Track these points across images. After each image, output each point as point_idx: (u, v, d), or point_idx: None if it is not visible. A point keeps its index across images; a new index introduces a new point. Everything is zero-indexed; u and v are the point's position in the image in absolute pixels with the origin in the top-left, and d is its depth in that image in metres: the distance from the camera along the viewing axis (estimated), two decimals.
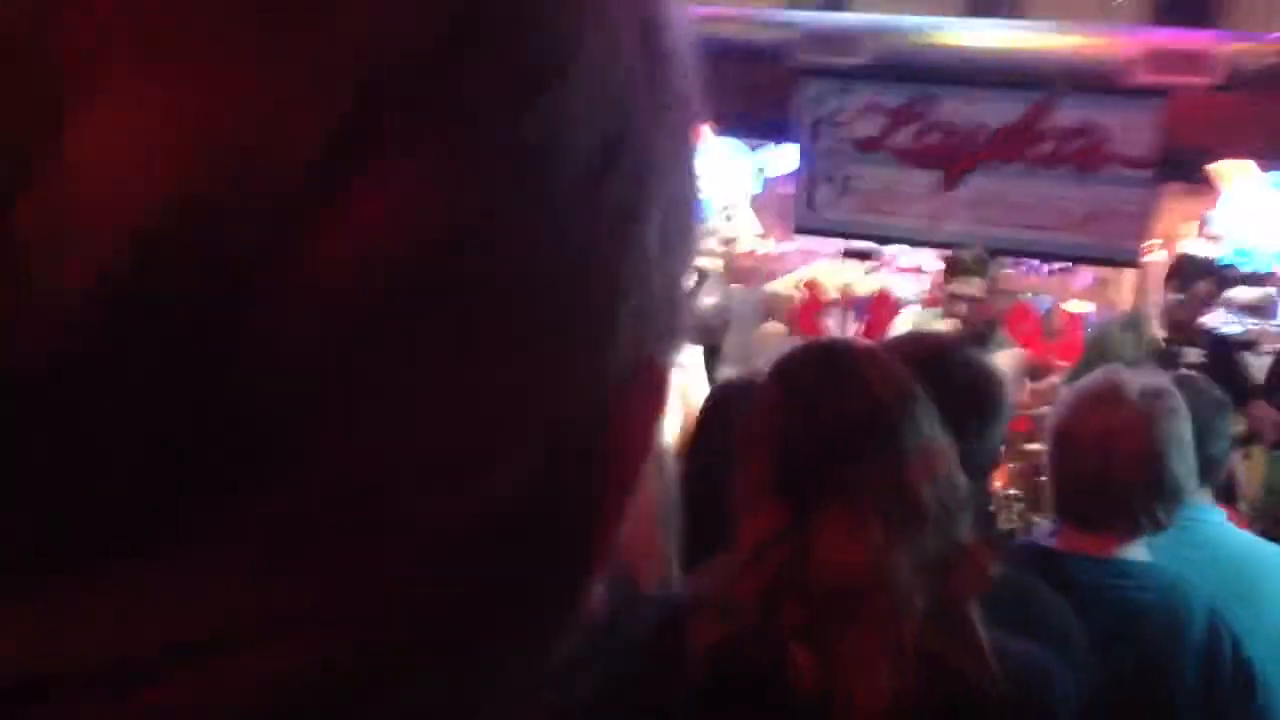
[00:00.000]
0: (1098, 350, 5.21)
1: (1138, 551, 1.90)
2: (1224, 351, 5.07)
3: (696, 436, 2.48)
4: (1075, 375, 5.31)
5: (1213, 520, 2.25)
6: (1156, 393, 1.89)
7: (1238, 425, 2.44)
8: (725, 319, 6.00)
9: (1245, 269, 6.89)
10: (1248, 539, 2.36)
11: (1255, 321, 6.83)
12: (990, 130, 6.72)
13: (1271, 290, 7.20)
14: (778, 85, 7.08)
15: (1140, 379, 1.91)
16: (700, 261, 5.28)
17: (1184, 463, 1.87)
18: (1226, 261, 6.83)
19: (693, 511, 2.20)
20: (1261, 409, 4.77)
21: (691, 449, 2.50)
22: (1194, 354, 4.93)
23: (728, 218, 5.28)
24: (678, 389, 4.81)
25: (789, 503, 1.37)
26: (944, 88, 6.83)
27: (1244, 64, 6.47)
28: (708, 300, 5.22)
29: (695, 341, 5.04)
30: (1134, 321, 5.26)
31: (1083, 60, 6.83)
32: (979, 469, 1.91)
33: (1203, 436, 2.15)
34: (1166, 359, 4.93)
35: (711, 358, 5.64)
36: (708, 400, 2.62)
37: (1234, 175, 6.45)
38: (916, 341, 2.04)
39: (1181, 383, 2.25)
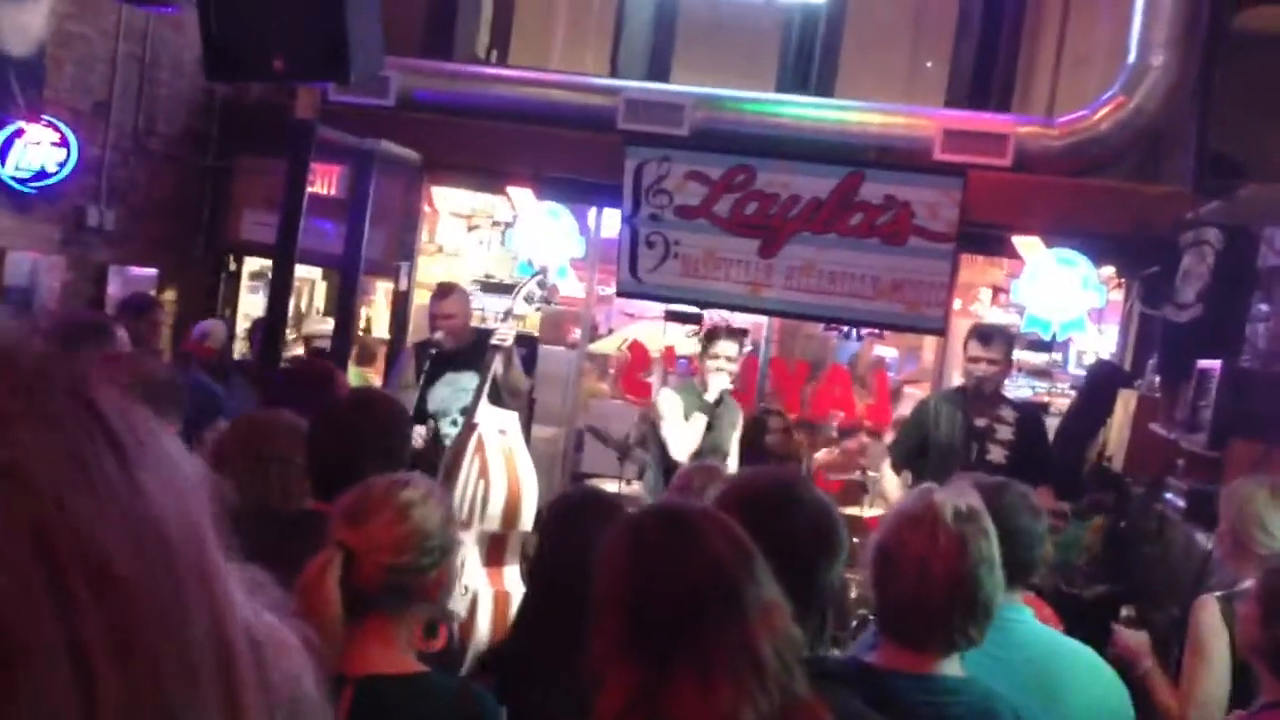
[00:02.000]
0: (918, 427, 5.48)
1: (953, 665, 2.01)
2: (1031, 425, 5.39)
3: (542, 550, 2.56)
4: (898, 449, 5.59)
5: (1022, 619, 2.42)
6: (969, 515, 2.01)
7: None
8: (532, 382, 6.08)
9: (1037, 336, 7.36)
10: (1053, 637, 2.54)
11: (1044, 385, 7.26)
12: (805, 202, 7.02)
13: (1058, 355, 7.68)
14: (602, 151, 7.23)
15: (954, 500, 2.04)
16: (516, 324, 5.36)
17: (994, 580, 2.00)
18: (1023, 329, 7.30)
19: (538, 617, 2.27)
20: (1046, 497, 5.05)
21: (537, 562, 2.58)
22: (1005, 431, 5.23)
23: (540, 283, 5.35)
24: (502, 455, 4.83)
25: (644, 662, 1.46)
26: (761, 160, 7.10)
27: (1031, 146, 6.97)
28: (519, 364, 5.29)
29: (511, 407, 5.07)
30: (949, 397, 5.53)
31: (889, 138, 7.23)
32: (824, 599, 2.00)
33: (1018, 541, 2.32)
34: (980, 435, 5.22)
35: (527, 418, 5.71)
36: (553, 511, 2.68)
37: (1030, 249, 6.89)
38: (757, 481, 2.14)
39: (996, 491, 2.42)
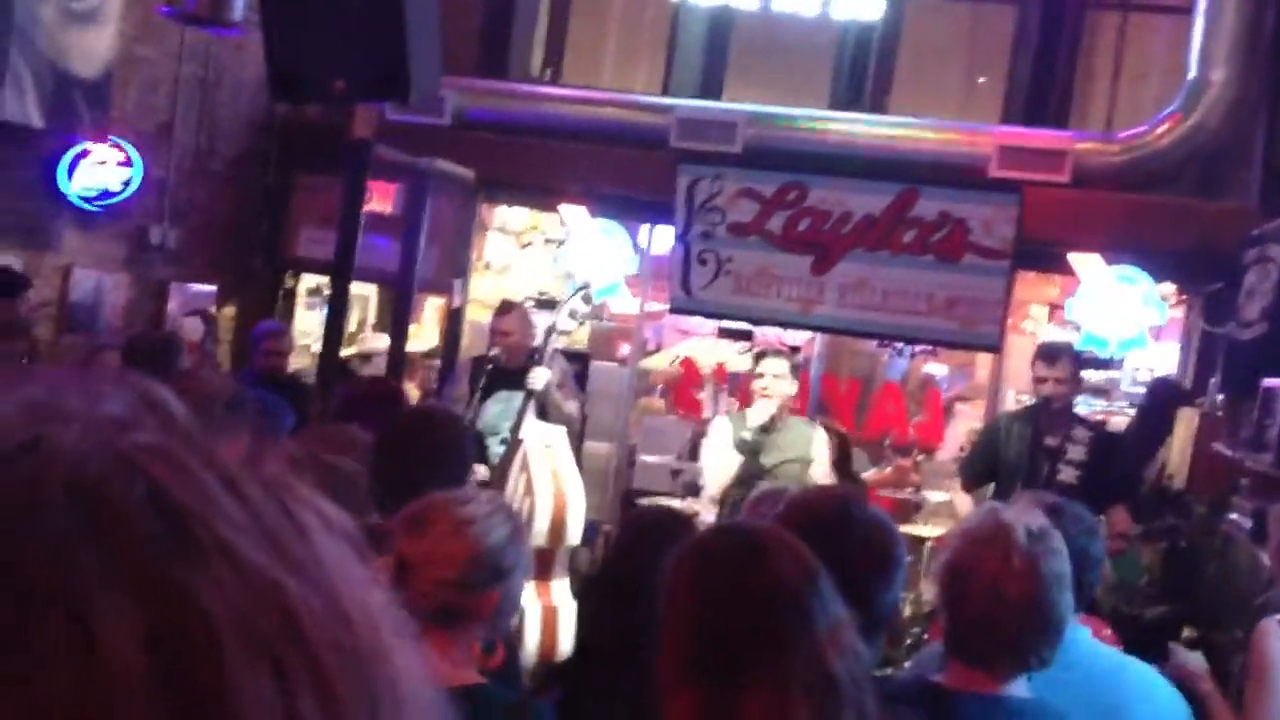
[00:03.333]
0: (989, 446, 5.43)
1: (1021, 686, 2.00)
2: (1105, 445, 5.31)
3: (611, 566, 2.56)
4: (968, 469, 5.53)
5: (1081, 639, 2.39)
6: (1040, 535, 2.00)
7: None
8: (582, 398, 6.08)
9: (1099, 354, 7.27)
10: (1113, 656, 2.53)
11: (1103, 404, 7.16)
12: (858, 219, 6.98)
13: (1116, 374, 7.57)
14: (655, 169, 7.25)
15: (1023, 519, 2.03)
16: (558, 336, 5.36)
17: (1065, 600, 2.00)
18: (1081, 347, 7.21)
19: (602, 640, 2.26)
20: (1122, 519, 4.97)
21: (604, 579, 2.57)
22: (1078, 452, 5.16)
23: (586, 298, 5.37)
24: (548, 470, 4.84)
25: (712, 682, 1.45)
26: (814, 177, 7.08)
27: (1090, 162, 6.89)
28: (568, 377, 5.31)
29: (559, 421, 5.09)
30: (1020, 416, 5.49)
31: (944, 154, 7.18)
32: (883, 619, 2.00)
33: (1078, 563, 2.30)
34: (1052, 455, 5.16)
35: (578, 435, 5.69)
36: (624, 529, 2.68)
37: (1087, 266, 6.81)
38: (815, 501, 2.14)
39: (1058, 511, 2.41)
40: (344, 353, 6.58)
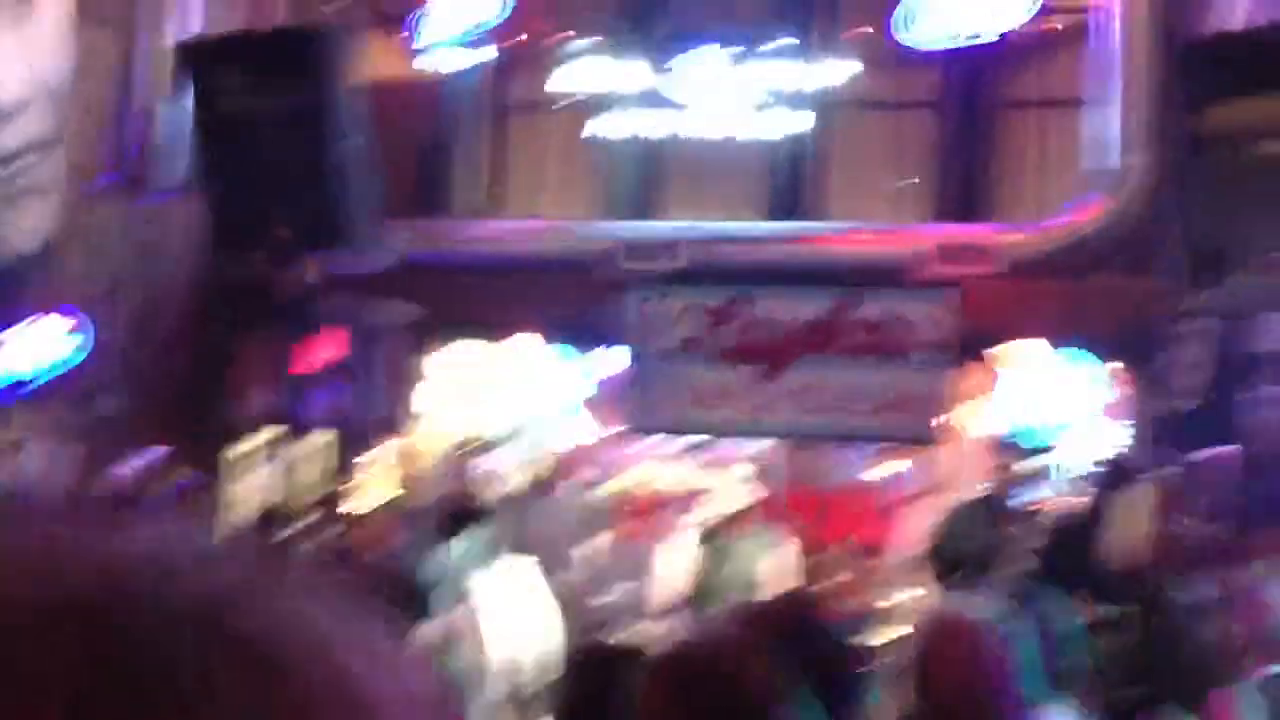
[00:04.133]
0: (950, 539, 5.47)
1: None
2: (1064, 532, 5.36)
3: (567, 703, 2.55)
4: (934, 562, 5.56)
5: None
6: (1004, 624, 2.07)
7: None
8: (548, 528, 6.07)
9: (1049, 440, 7.36)
10: None
11: (1057, 488, 7.22)
12: (804, 325, 7.10)
13: (1064, 458, 7.67)
14: (602, 292, 7.36)
15: (984, 606, 2.08)
16: (519, 470, 5.37)
17: (1034, 684, 2.06)
18: (1031, 434, 7.30)
19: None
20: (1083, 604, 5.00)
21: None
22: (1035, 540, 5.21)
23: (544, 429, 5.41)
24: (517, 605, 4.81)
25: None
26: (758, 288, 7.22)
27: (1021, 253, 7.08)
28: (529, 517, 5.31)
29: (527, 553, 5.07)
30: (979, 507, 5.54)
31: (881, 256, 7.36)
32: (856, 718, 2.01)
33: (1060, 650, 2.33)
34: (1012, 544, 5.20)
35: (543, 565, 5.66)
36: (574, 663, 2.68)
37: (1018, 356, 6.95)
38: (779, 609, 2.17)
39: (1029, 597, 2.46)
40: (303, 502, 6.54)
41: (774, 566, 5.25)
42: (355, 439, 6.93)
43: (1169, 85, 6.23)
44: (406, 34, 8.53)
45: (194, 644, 0.40)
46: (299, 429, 5.10)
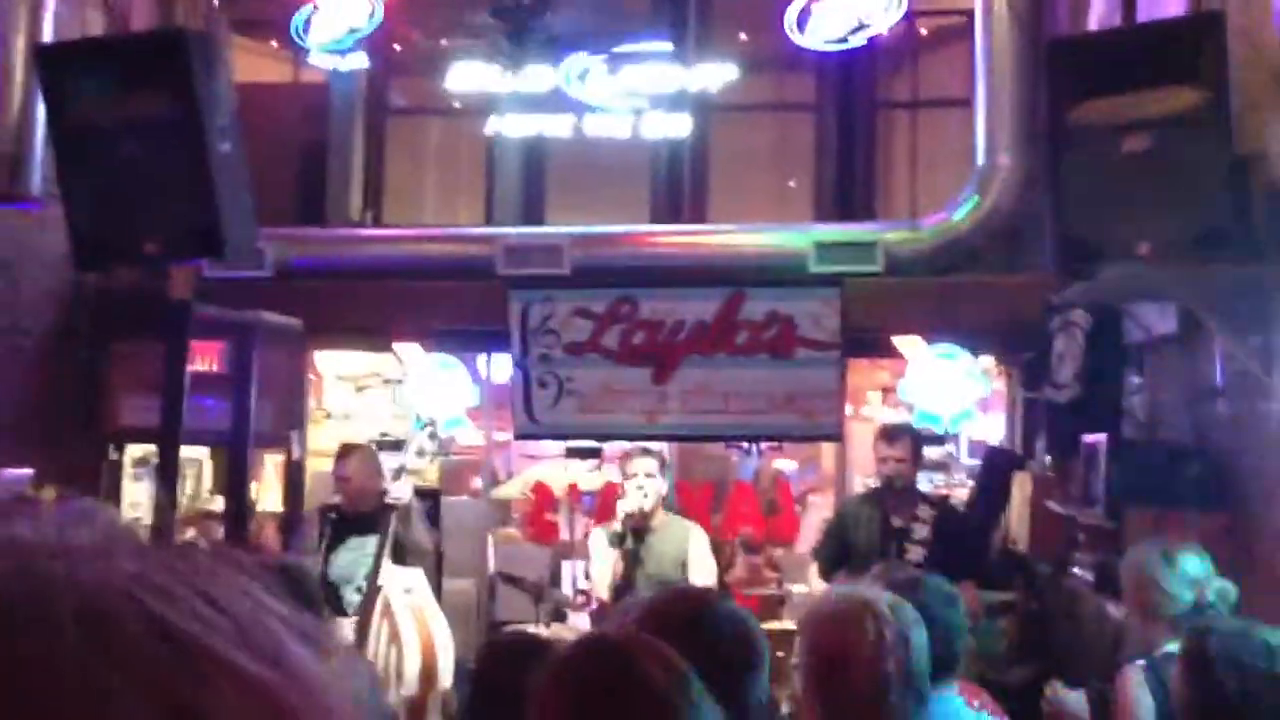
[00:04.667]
0: (838, 533, 5.54)
1: None
2: (949, 522, 5.47)
3: (474, 703, 2.49)
4: (822, 557, 5.61)
5: (955, 706, 2.44)
6: (901, 609, 2.09)
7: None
8: (437, 535, 5.97)
9: (934, 430, 7.52)
10: None
11: (943, 479, 7.39)
12: (690, 326, 7.13)
13: (951, 448, 7.85)
14: (485, 298, 7.29)
15: (882, 594, 2.09)
16: (411, 480, 5.25)
17: (925, 665, 2.07)
18: (917, 425, 7.45)
19: None
20: (969, 593, 5.10)
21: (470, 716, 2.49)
22: (922, 531, 5.29)
23: (431, 435, 5.31)
24: (411, 615, 4.72)
25: None
26: (643, 290, 7.22)
27: (900, 250, 7.23)
28: (419, 521, 5.21)
29: (416, 564, 4.98)
30: (866, 500, 5.62)
31: (765, 256, 7.44)
32: (746, 716, 2.00)
33: (945, 634, 2.35)
34: (899, 535, 5.28)
35: (436, 572, 5.58)
36: (482, 661, 2.62)
37: (910, 348, 7.10)
38: (672, 603, 2.15)
39: (917, 585, 2.47)
40: (183, 517, 6.32)
41: (690, 557, 5.20)
42: (236, 451, 6.72)
43: (1038, 84, 6.43)
44: (281, 39, 8.34)
45: (84, 638, 0.39)
46: (176, 443, 4.91)
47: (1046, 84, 5.76)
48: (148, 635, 0.40)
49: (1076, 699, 3.39)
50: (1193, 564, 3.24)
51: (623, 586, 4.97)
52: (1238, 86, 4.21)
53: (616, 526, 5.15)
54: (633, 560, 5.04)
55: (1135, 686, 3.09)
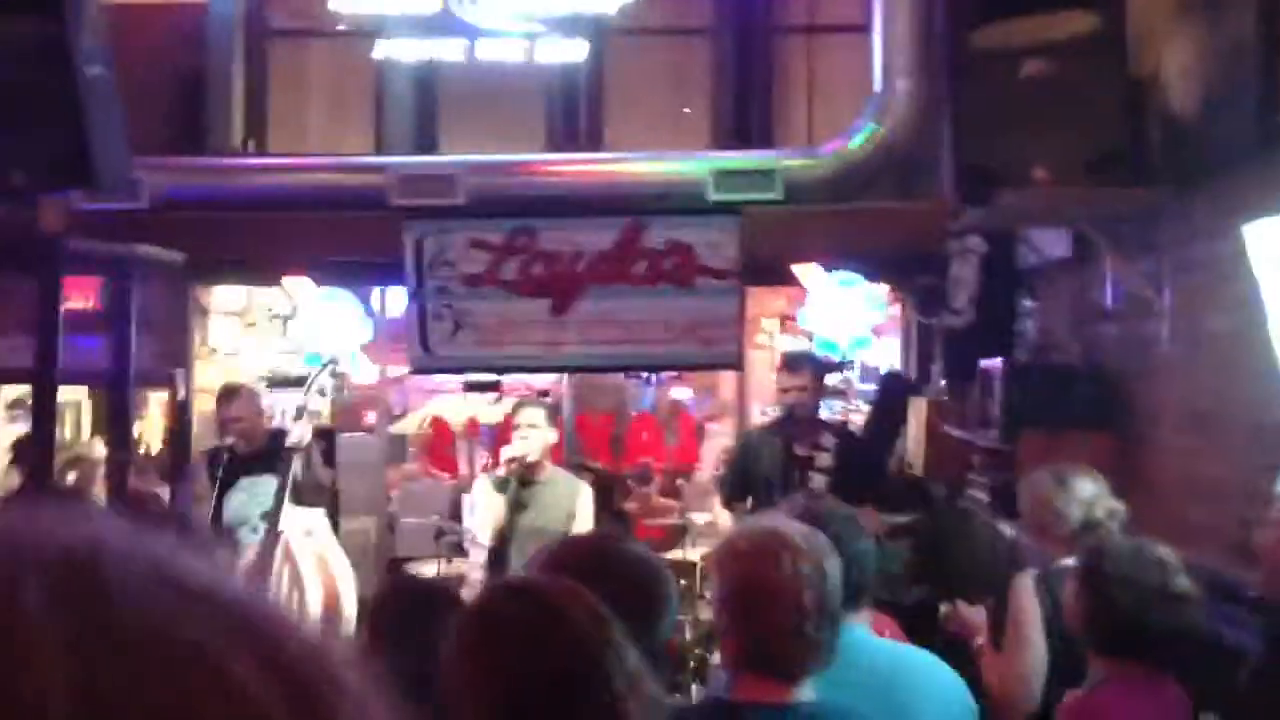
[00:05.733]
0: (741, 462, 5.55)
1: (809, 691, 2.05)
2: (850, 449, 5.51)
3: (375, 643, 2.42)
4: (724, 486, 5.62)
5: (859, 636, 2.46)
6: (814, 539, 2.08)
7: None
8: (333, 473, 5.80)
9: (833, 357, 7.59)
10: (894, 649, 2.64)
11: (842, 404, 7.46)
12: (589, 256, 7.04)
13: (850, 374, 7.93)
14: (378, 230, 7.08)
15: (795, 526, 2.10)
16: (308, 417, 5.06)
17: (839, 595, 2.08)
18: (816, 353, 7.51)
19: None
20: (870, 518, 5.16)
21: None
22: (825, 459, 5.32)
23: (333, 373, 5.15)
24: (313, 557, 4.61)
25: None
26: (540, 220, 7.10)
27: (798, 178, 7.20)
28: (319, 460, 5.07)
29: (315, 504, 4.85)
30: (769, 429, 5.63)
31: (663, 184, 7.35)
32: (661, 649, 1.99)
33: (852, 564, 2.35)
34: (802, 464, 5.31)
35: (334, 511, 5.46)
36: (380, 613, 2.54)
37: (809, 275, 7.11)
38: (574, 547, 2.13)
39: (824, 515, 2.48)
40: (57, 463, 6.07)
41: (576, 511, 5.11)
42: (116, 391, 6.45)
43: (935, 9, 6.41)
44: None
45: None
46: (52, 383, 4.68)
47: (945, 8, 5.75)
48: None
49: (975, 611, 3.50)
50: (1085, 486, 3.36)
51: (504, 533, 4.85)
52: (1134, 11, 4.23)
53: (500, 472, 4.98)
54: (515, 507, 4.89)
55: (1026, 595, 3.20)
